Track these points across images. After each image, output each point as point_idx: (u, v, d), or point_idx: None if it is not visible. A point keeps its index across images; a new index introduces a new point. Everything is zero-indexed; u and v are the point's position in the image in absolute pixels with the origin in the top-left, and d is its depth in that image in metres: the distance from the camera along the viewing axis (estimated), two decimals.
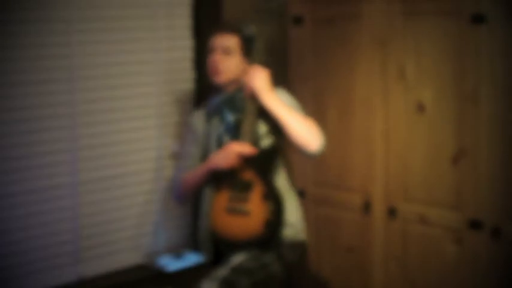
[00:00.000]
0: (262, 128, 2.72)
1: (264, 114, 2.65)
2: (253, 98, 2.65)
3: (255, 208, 2.64)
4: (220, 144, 2.74)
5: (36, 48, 2.86)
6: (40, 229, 2.94)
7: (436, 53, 3.00)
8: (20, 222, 2.88)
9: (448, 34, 2.96)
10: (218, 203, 2.70)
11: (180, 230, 3.39)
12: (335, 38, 3.33)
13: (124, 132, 3.16)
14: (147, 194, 3.26)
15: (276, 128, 2.67)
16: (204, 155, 2.82)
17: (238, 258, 2.61)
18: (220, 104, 2.77)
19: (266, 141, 2.71)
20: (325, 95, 3.39)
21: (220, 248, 2.75)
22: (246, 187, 2.66)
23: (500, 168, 2.86)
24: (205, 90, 3.34)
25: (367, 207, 3.28)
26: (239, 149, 2.64)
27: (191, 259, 3.31)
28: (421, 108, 3.08)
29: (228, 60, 2.73)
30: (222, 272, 2.55)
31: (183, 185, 2.83)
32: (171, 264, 3.24)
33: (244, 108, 2.68)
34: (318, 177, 3.45)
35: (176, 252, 3.34)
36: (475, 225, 2.93)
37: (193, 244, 3.41)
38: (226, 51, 2.73)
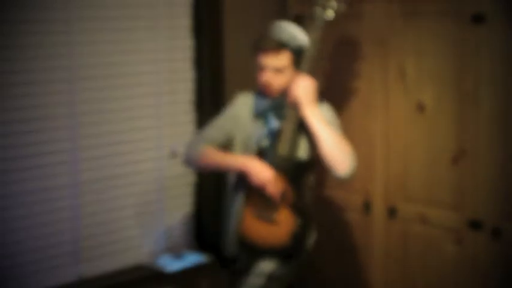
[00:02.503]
0: (303, 139, 2.64)
1: (305, 125, 2.59)
2: (295, 107, 2.58)
3: (283, 218, 2.60)
4: (260, 148, 2.65)
5: (37, 48, 2.86)
6: (40, 229, 2.94)
7: (436, 53, 3.00)
8: (20, 223, 2.88)
9: (448, 34, 2.96)
10: (249, 207, 2.65)
11: (180, 230, 3.39)
12: (335, 38, 3.32)
13: (124, 132, 3.15)
14: (147, 194, 3.26)
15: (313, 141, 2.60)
16: (229, 140, 2.75)
17: (268, 266, 2.60)
18: (267, 108, 2.69)
19: (304, 153, 2.65)
20: (325, 94, 3.38)
21: (243, 252, 2.71)
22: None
23: (500, 168, 2.86)
24: (205, 90, 3.35)
25: (367, 207, 3.28)
26: (270, 182, 2.56)
27: (191, 259, 3.31)
28: (421, 108, 3.08)
29: (280, 78, 2.63)
30: (256, 280, 2.56)
31: (201, 158, 2.72)
32: (171, 264, 3.24)
33: (286, 116, 2.61)
34: (318, 177, 3.44)
35: (176, 252, 3.34)
36: (475, 225, 2.93)
37: (196, 244, 3.41)
38: (278, 70, 2.63)
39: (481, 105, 2.88)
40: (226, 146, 2.76)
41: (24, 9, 2.81)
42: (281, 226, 2.59)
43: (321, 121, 2.56)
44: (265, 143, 2.65)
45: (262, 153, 2.64)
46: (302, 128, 2.60)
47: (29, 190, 2.89)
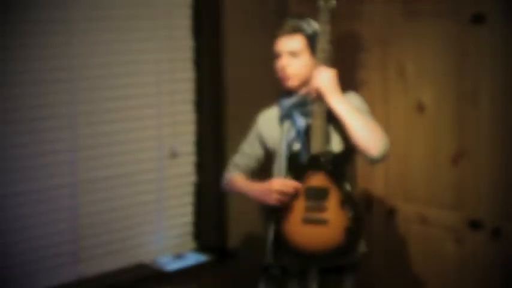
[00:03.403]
0: (333, 131, 2.59)
1: (335, 116, 2.53)
2: (320, 100, 2.53)
3: (333, 216, 2.51)
4: (291, 153, 2.59)
5: (37, 48, 2.86)
6: (40, 229, 2.94)
7: (436, 53, 3.00)
8: (20, 222, 2.88)
9: (448, 34, 2.96)
10: (292, 213, 2.56)
11: (180, 230, 3.39)
12: (335, 38, 3.32)
13: (124, 132, 3.15)
14: (147, 194, 3.25)
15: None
16: (270, 156, 2.72)
17: None
18: (291, 107, 2.64)
19: (338, 145, 2.58)
20: None
21: (292, 259, 2.61)
22: (321, 195, 2.53)
23: (500, 168, 2.86)
24: (205, 90, 3.35)
25: (367, 207, 3.28)
26: (280, 187, 2.53)
27: (191, 259, 3.31)
28: (421, 108, 3.08)
29: (296, 63, 2.60)
30: None
31: (230, 185, 2.81)
32: (171, 264, 3.24)
33: (313, 112, 2.55)
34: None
35: (176, 252, 3.34)
36: (475, 225, 2.93)
37: (196, 244, 3.41)
38: (293, 54, 2.59)
39: (481, 105, 2.88)
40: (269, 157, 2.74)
41: (24, 9, 2.81)
42: (332, 225, 2.51)
43: (347, 107, 2.51)
44: (296, 146, 2.60)
45: (294, 158, 2.58)
46: (331, 120, 2.55)
47: (28, 190, 2.89)
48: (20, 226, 2.88)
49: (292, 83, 2.62)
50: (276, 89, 3.41)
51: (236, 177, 2.79)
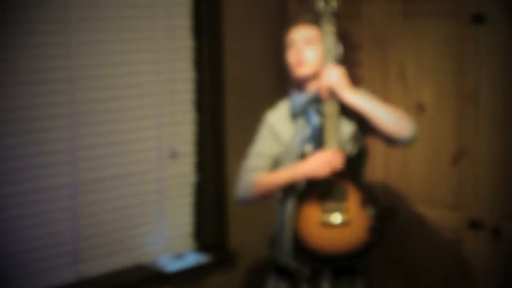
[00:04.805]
0: (346, 130, 2.56)
1: (346, 114, 2.52)
2: (332, 98, 2.49)
3: (355, 216, 2.48)
4: (304, 155, 2.52)
5: (36, 48, 2.86)
6: (40, 229, 2.94)
7: (436, 53, 3.00)
8: (19, 222, 2.88)
9: (448, 34, 2.96)
10: (308, 215, 2.50)
11: (180, 230, 3.39)
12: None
13: (124, 132, 3.15)
14: (147, 194, 3.25)
15: (361, 127, 2.54)
16: (280, 157, 2.63)
17: None
18: (306, 104, 2.59)
19: (350, 145, 2.55)
20: None
21: (308, 264, 2.57)
22: (340, 196, 2.49)
23: (500, 168, 2.86)
24: (205, 90, 3.35)
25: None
26: (332, 156, 2.45)
27: (191, 259, 3.31)
28: (421, 108, 3.08)
29: (310, 50, 2.57)
30: None
31: (256, 187, 2.60)
32: (171, 264, 3.24)
33: (325, 113, 2.49)
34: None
35: (176, 252, 3.34)
36: (475, 225, 2.93)
37: (196, 244, 3.41)
38: (308, 42, 2.57)
39: (481, 105, 2.88)
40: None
41: (23, 9, 2.81)
42: (355, 225, 2.48)
43: (364, 98, 2.50)
44: (309, 148, 2.53)
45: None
46: (343, 119, 2.53)
47: (28, 190, 2.89)
48: (20, 226, 2.88)
49: (305, 70, 2.58)
50: (275, 89, 3.43)
51: (262, 176, 2.60)
